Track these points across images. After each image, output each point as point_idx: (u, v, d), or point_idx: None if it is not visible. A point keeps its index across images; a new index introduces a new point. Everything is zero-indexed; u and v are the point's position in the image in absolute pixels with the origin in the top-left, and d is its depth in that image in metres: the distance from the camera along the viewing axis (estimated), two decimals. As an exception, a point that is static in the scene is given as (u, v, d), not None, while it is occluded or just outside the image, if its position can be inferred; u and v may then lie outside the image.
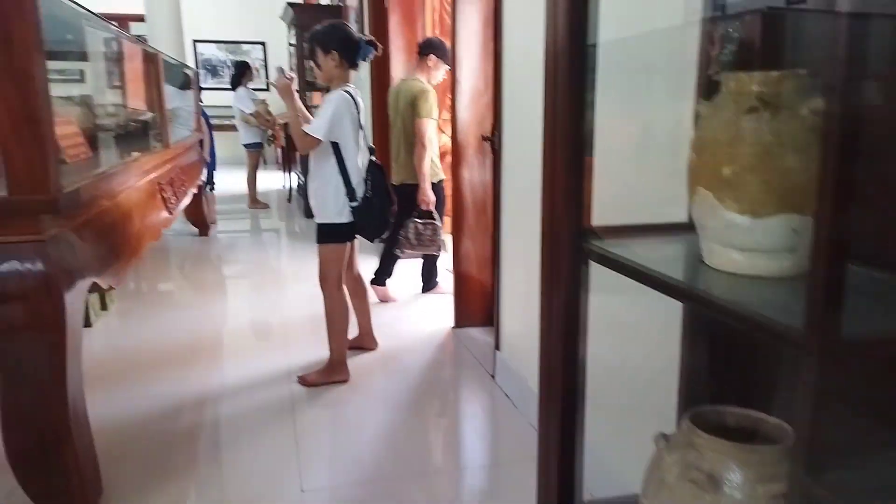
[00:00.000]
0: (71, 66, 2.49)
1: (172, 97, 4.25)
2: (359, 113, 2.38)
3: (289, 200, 7.03)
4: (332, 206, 2.36)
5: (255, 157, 6.64)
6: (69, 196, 1.51)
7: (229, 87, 6.61)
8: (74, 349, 1.55)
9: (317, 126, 2.26)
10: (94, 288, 1.71)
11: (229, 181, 7.69)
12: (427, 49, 3.28)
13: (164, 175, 2.98)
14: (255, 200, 6.65)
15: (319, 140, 2.26)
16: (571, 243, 0.91)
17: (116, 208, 2.00)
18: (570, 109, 0.87)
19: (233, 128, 6.82)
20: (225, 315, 3.38)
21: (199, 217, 5.06)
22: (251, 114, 6.39)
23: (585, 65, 0.86)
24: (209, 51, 10.41)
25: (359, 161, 2.42)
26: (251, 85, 6.56)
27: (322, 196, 2.37)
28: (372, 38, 2.44)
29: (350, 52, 2.34)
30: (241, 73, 6.47)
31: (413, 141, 3.19)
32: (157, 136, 3.30)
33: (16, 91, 1.31)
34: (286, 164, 7.58)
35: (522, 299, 2.28)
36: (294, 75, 2.35)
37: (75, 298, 1.53)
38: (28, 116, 1.32)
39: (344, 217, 2.37)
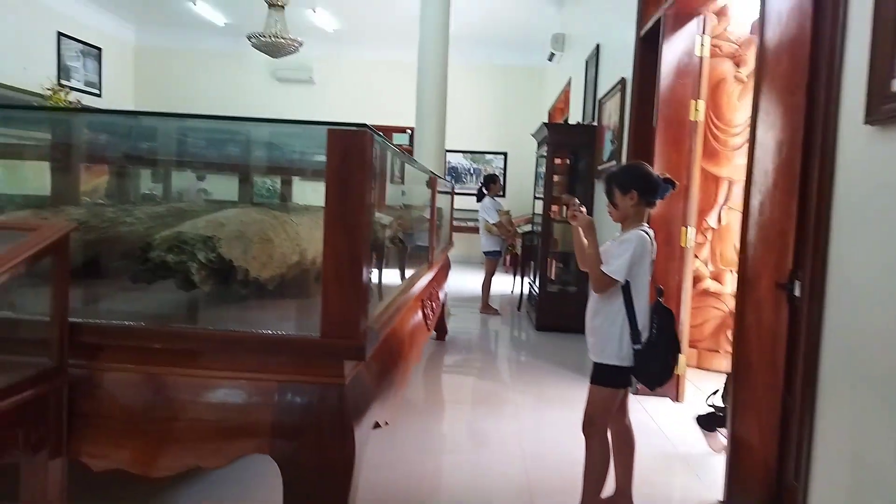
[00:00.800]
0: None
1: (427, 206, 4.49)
2: (653, 253, 2.26)
3: (518, 308, 7.01)
4: (615, 348, 2.22)
5: (493, 264, 6.80)
6: (370, 336, 1.50)
7: (471, 192, 6.94)
8: (355, 487, 1.50)
9: (617, 267, 2.17)
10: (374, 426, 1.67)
11: (457, 280, 7.92)
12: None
13: (425, 290, 3.03)
14: (487, 306, 6.75)
15: (617, 281, 2.17)
16: None
17: (395, 336, 2.00)
18: None
19: (466, 229, 7.10)
20: (464, 443, 3.27)
21: (439, 321, 5.17)
22: (495, 224, 6.59)
23: None
24: (455, 159, 11.24)
25: (645, 302, 2.24)
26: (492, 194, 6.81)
27: (604, 335, 2.24)
28: (668, 175, 2.30)
29: (649, 191, 2.25)
30: (489, 184, 6.77)
31: None
32: (426, 250, 3.43)
33: (345, 238, 1.34)
34: (517, 270, 7.65)
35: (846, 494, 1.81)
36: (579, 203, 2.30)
37: (363, 439, 1.49)
38: (351, 263, 1.33)
39: (626, 360, 2.22)
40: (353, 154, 1.31)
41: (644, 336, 2.21)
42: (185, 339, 1.36)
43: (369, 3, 8.55)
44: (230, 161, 4.21)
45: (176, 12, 9.58)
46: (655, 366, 2.23)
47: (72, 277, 1.88)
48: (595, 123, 5.61)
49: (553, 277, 5.95)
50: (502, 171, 10.99)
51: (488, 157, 11.24)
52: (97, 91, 10.00)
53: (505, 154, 11.17)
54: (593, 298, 2.29)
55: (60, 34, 9.11)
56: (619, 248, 2.21)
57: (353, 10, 8.94)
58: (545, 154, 5.95)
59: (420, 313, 2.76)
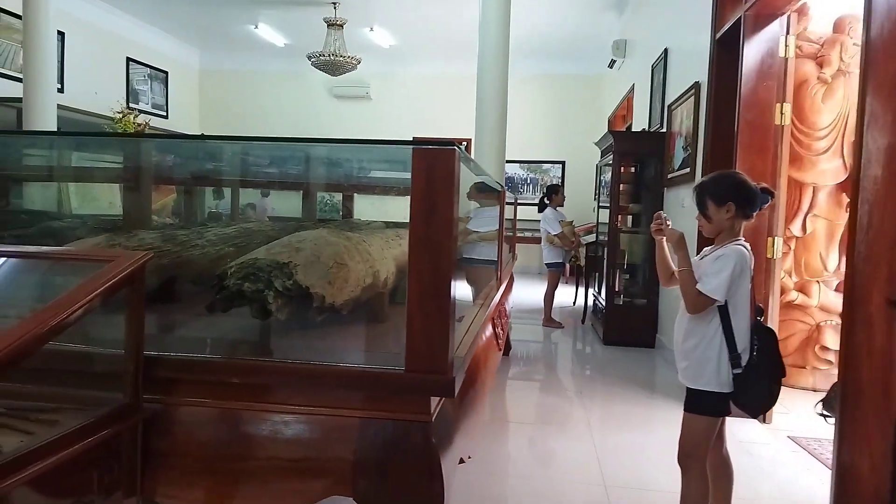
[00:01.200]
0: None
1: (496, 221, 4.37)
2: (752, 269, 2.08)
3: (582, 321, 6.80)
4: (713, 372, 2.03)
5: (556, 276, 6.62)
6: (456, 368, 1.38)
7: (528, 203, 6.78)
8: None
9: (716, 286, 1.99)
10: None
11: (516, 291, 7.74)
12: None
13: (495, 309, 2.90)
14: (549, 319, 6.57)
15: (715, 301, 1.99)
16: None
17: (474, 362, 1.88)
18: None
19: (523, 239, 6.95)
20: (535, 467, 3.11)
21: (504, 336, 5.03)
22: (557, 235, 6.41)
23: None
24: (512, 169, 11.09)
25: (745, 323, 2.06)
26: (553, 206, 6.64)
27: (700, 358, 2.06)
28: (766, 185, 2.11)
29: (747, 202, 2.06)
30: (551, 195, 6.60)
31: None
32: (496, 268, 3.30)
33: (431, 264, 1.23)
34: (579, 281, 7.43)
35: None
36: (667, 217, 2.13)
37: (451, 477, 1.37)
38: (437, 291, 1.23)
39: (725, 386, 2.03)
40: (440, 173, 1.21)
41: (744, 359, 2.03)
42: (264, 373, 1.28)
43: (425, 18, 8.55)
44: (293, 178, 4.20)
45: (238, 35, 9.84)
46: (757, 391, 2.04)
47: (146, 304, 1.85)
48: (664, 130, 5.38)
49: (620, 289, 5.72)
50: (559, 181, 10.79)
51: (545, 166, 11.06)
52: (164, 113, 10.34)
53: (563, 163, 10.96)
54: (685, 319, 2.11)
55: (129, 59, 9.47)
56: (715, 264, 2.03)
57: (409, 27, 8.97)
58: (610, 163, 5.75)
59: (492, 333, 2.64)
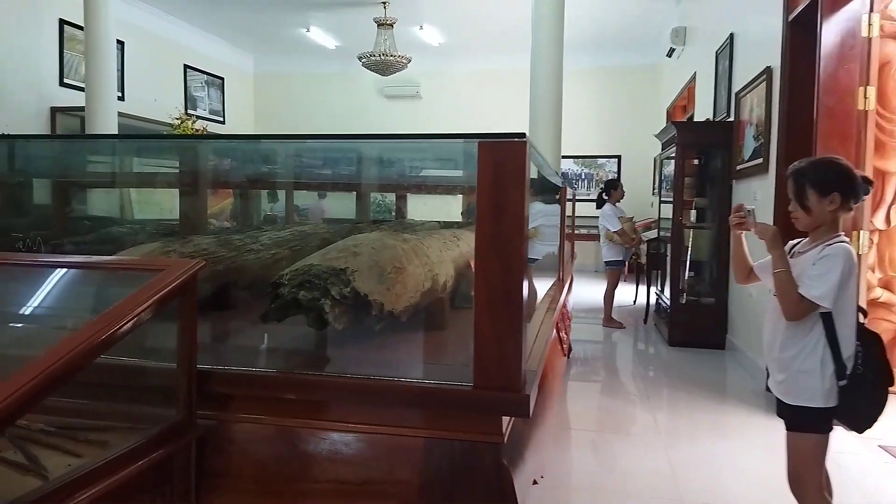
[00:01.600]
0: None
1: (554, 217, 4.23)
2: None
3: (645, 321, 6.54)
4: (817, 385, 1.82)
5: (616, 275, 6.38)
6: (529, 383, 1.25)
7: (584, 199, 6.56)
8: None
9: (824, 292, 1.76)
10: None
11: (575, 290, 7.53)
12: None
13: (559, 312, 2.76)
14: (610, 319, 6.35)
15: (821, 308, 1.78)
16: None
17: (543, 375, 1.74)
18: None
19: (579, 236, 6.74)
20: (607, 480, 2.95)
21: (567, 340, 4.86)
22: (616, 232, 6.18)
23: None
24: (565, 164, 10.85)
25: (851, 330, 1.85)
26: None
27: (801, 370, 1.85)
28: (865, 174, 1.90)
29: (852, 193, 1.83)
30: (609, 190, 6.38)
31: None
32: (559, 268, 3.15)
33: (500, 268, 1.11)
34: (639, 279, 7.16)
35: None
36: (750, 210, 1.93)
37: (524, 501, 1.25)
38: (508, 298, 1.11)
39: (831, 400, 1.82)
40: (509, 167, 1.09)
41: (849, 368, 1.82)
42: (322, 388, 1.19)
43: (475, 14, 8.43)
44: (345, 179, 4.16)
45: (290, 39, 9.94)
46: (864, 403, 1.82)
47: (202, 309, 1.80)
48: (731, 119, 5.10)
49: (685, 287, 5.46)
50: (615, 176, 10.48)
51: (600, 161, 10.78)
52: (221, 118, 10.55)
53: (618, 157, 10.66)
54: (780, 325, 1.89)
55: (187, 66, 9.68)
56: (820, 265, 1.80)
57: (458, 23, 8.87)
58: (672, 155, 5.49)
59: (556, 337, 2.50)
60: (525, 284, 1.13)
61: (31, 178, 3.50)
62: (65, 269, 1.25)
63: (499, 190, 1.10)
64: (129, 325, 1.04)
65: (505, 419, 1.13)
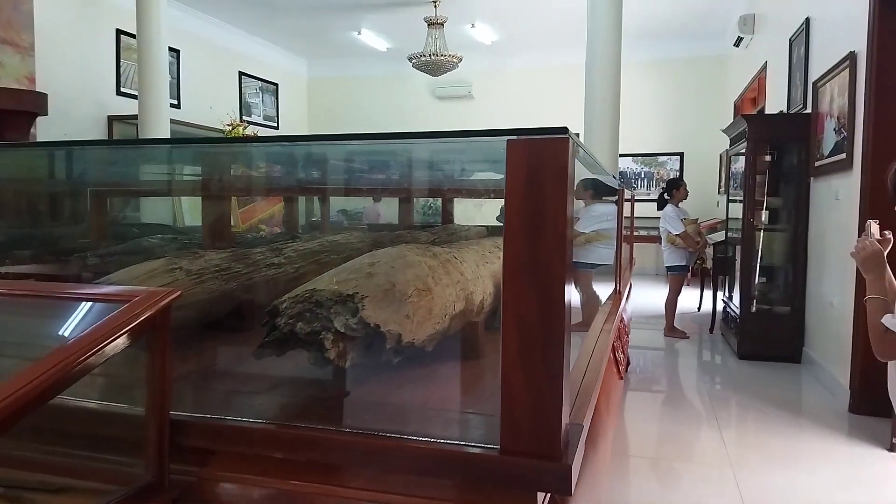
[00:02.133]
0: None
1: (611, 220, 3.94)
2: None
3: (711, 330, 6.11)
4: None
5: (679, 280, 5.97)
6: (573, 444, 1.00)
7: (642, 199, 6.19)
8: None
9: None
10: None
11: (635, 295, 7.13)
12: None
13: (615, 330, 2.47)
14: (672, 328, 5.95)
15: None
16: None
17: (594, 418, 1.48)
18: None
19: (638, 238, 6.37)
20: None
21: (625, 361, 4.52)
22: (679, 235, 5.78)
23: None
24: (623, 163, 10.41)
25: None
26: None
27: None
28: None
29: None
30: (672, 190, 5.98)
31: None
32: (615, 278, 2.87)
33: (536, 301, 0.87)
34: (703, 285, 6.71)
35: None
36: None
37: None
38: (546, 338, 0.86)
39: None
40: (548, 171, 0.84)
41: None
42: (315, 447, 0.97)
43: (528, 9, 8.15)
44: (392, 183, 3.97)
45: (343, 43, 9.91)
46: None
47: (207, 333, 1.63)
48: (807, 111, 4.66)
49: (756, 294, 5.03)
50: (677, 174, 9.96)
51: (661, 159, 10.28)
52: (275, 124, 10.61)
53: (681, 154, 10.14)
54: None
55: (241, 73, 9.77)
56: None
57: (511, 20, 8.61)
58: (742, 151, 5.08)
59: (612, 359, 2.21)
60: (567, 321, 0.89)
61: (74, 186, 3.44)
62: (21, 299, 1.09)
63: (534, 200, 0.86)
64: (79, 368, 0.86)
65: (541, 495, 0.89)
